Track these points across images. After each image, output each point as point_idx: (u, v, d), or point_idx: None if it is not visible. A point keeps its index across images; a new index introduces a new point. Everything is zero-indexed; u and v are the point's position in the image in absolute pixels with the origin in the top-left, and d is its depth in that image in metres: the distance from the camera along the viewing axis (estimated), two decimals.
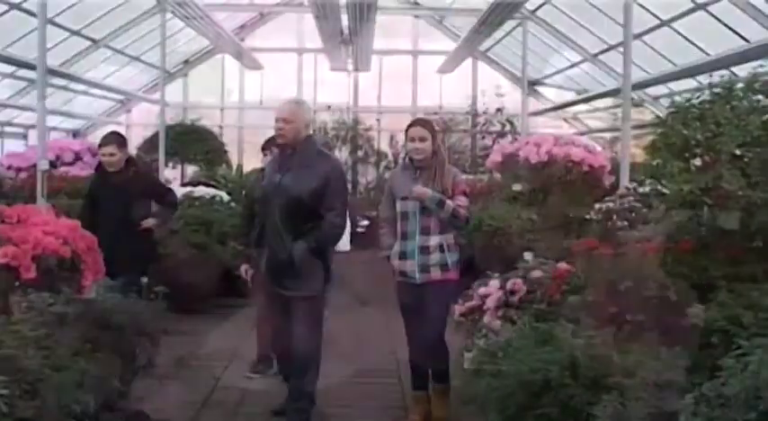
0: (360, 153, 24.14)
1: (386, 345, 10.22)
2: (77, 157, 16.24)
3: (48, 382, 4.77)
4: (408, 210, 7.43)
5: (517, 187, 13.71)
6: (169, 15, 18.30)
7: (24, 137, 21.34)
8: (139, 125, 25.06)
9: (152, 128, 21.59)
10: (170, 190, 9.93)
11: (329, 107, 24.47)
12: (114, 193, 8.86)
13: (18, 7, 15.27)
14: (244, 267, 8.14)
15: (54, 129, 21.79)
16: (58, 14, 16.29)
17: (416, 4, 24.95)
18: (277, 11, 25.12)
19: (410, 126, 7.54)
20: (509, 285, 7.37)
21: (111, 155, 8.95)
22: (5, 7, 15.15)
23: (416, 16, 25.27)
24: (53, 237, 5.48)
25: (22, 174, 14.09)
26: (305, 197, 7.09)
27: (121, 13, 19.14)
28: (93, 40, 19.70)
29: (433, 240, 7.38)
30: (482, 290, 7.56)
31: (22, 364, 4.72)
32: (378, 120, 25.29)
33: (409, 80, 25.73)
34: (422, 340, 7.47)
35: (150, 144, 20.47)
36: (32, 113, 16.58)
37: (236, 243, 7.95)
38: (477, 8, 18.75)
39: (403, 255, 7.46)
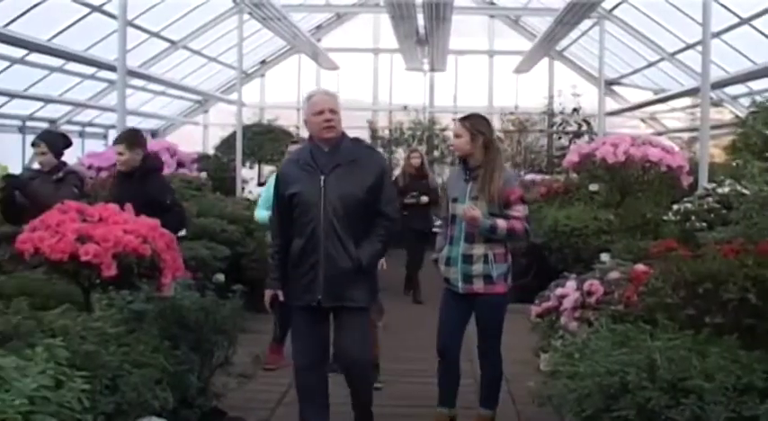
0: (435, 153, 24.11)
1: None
2: (155, 157, 16.41)
3: (127, 378, 4.84)
4: (457, 213, 6.93)
5: (594, 187, 13.59)
6: (246, 16, 18.49)
7: (104, 137, 21.67)
8: (217, 125, 25.28)
9: (229, 128, 21.80)
10: (172, 207, 8.55)
11: (405, 107, 24.52)
12: (126, 196, 7.24)
13: (99, 10, 15.52)
14: (271, 294, 6.50)
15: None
16: (137, 17, 16.49)
17: (492, 3, 24.89)
18: (353, 11, 25.21)
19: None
20: (586, 286, 7.30)
21: (120, 154, 8.38)
22: (87, 10, 15.40)
23: (492, 16, 25.20)
24: (133, 235, 5.54)
25: (103, 174, 14.26)
26: (362, 195, 6.26)
27: (199, 14, 19.36)
28: (172, 42, 19.93)
29: (477, 249, 6.91)
30: (559, 290, 7.49)
31: (103, 360, 4.79)
32: (454, 120, 25.13)
33: (485, 80, 25.65)
34: (483, 358, 7.29)
35: (227, 144, 20.69)
36: (112, 114, 16.82)
37: (271, 260, 6.54)
38: (553, 8, 18.68)
39: (448, 262, 7.03)
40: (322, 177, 6.23)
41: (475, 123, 7.02)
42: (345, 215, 6.21)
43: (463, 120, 7.10)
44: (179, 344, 5.73)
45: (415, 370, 8.79)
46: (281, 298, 6.45)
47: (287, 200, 6.36)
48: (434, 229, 18.20)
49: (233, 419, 6.85)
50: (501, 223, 6.80)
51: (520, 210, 6.93)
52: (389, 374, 8.57)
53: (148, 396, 4.92)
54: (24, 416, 3.38)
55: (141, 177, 8.30)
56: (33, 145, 8.42)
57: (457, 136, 7.07)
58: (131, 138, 8.50)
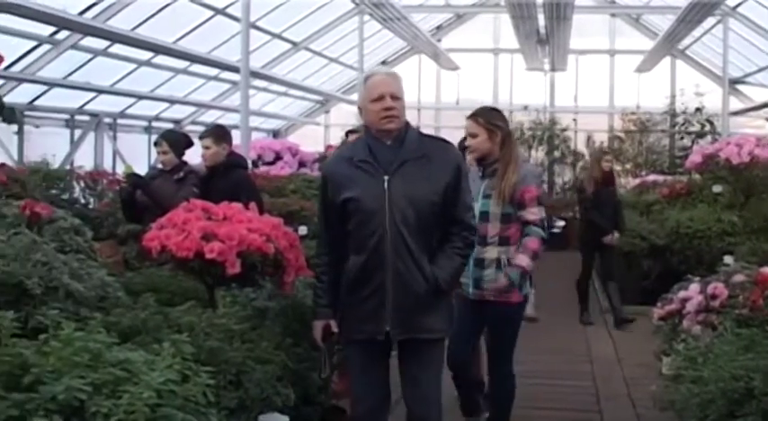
0: (556, 153, 23.95)
1: (581, 348, 10.14)
2: (278, 157, 16.67)
3: (251, 374, 4.91)
4: None
5: (717, 189, 13.38)
6: (367, 17, 18.60)
7: None
8: (337, 125, 25.46)
9: (349, 128, 21.94)
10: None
11: (525, 107, 24.40)
12: (211, 192, 7.71)
13: (222, 12, 15.80)
14: (322, 325, 5.31)
15: (255, 129, 22.39)
16: (259, 18, 16.72)
17: (613, 2, 24.65)
18: (473, 11, 25.18)
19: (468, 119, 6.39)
20: (710, 289, 7.16)
21: (206, 148, 8.26)
22: (210, 13, 15.69)
23: (613, 14, 24.94)
24: (257, 234, 5.62)
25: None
26: (437, 198, 5.01)
27: (320, 15, 19.55)
28: (294, 43, 20.17)
29: (490, 253, 6.22)
30: (682, 293, 7.35)
31: (227, 356, 4.87)
32: (574, 120, 25.04)
33: (606, 79, 25.41)
34: (492, 374, 6.63)
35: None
36: (235, 114, 17.11)
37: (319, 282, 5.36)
38: (675, 5, 18.38)
39: None
40: (386, 178, 4.99)
41: (489, 118, 6.38)
42: (417, 224, 4.97)
43: (474, 116, 6.40)
44: (300, 342, 5.78)
45: (537, 371, 8.74)
46: (335, 329, 5.26)
47: (339, 207, 5.09)
48: (554, 230, 18.17)
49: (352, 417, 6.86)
50: (523, 260, 6.19)
51: (535, 213, 6.27)
52: None
53: (271, 392, 4.99)
54: (152, 408, 3.46)
55: (224, 172, 8.27)
56: (156, 144, 8.55)
57: (472, 135, 6.36)
58: (218, 132, 8.45)
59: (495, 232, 6.21)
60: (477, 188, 6.17)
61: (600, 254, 12.06)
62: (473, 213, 5.28)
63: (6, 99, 6.48)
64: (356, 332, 5.14)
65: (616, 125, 24.70)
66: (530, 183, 6.29)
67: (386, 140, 5.09)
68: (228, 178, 8.19)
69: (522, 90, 25.42)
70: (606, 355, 9.86)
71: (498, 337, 6.50)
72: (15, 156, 13.96)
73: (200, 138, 8.37)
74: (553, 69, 24.38)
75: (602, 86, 25.46)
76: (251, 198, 8.15)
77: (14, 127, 13.65)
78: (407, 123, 5.20)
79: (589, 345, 10.23)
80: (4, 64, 5.86)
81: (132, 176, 8.35)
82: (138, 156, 16.85)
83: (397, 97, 5.13)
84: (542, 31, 20.09)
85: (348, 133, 9.59)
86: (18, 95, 13.83)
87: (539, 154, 23.73)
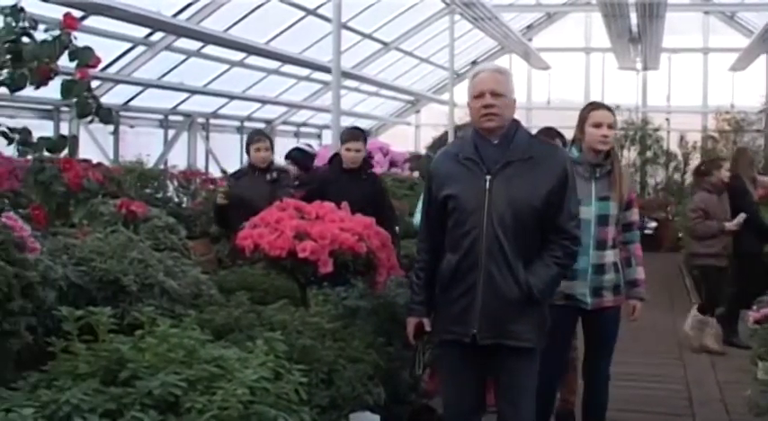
0: (648, 153, 23.66)
1: (673, 351, 10.02)
2: (369, 156, 16.71)
3: (342, 373, 4.94)
4: (582, 216, 5.36)
5: None
6: (457, 17, 18.55)
7: (318, 136, 22.18)
8: (428, 125, 25.53)
9: (441, 128, 22.01)
10: (392, 208, 8.71)
11: (617, 107, 24.07)
12: (356, 194, 7.39)
13: (313, 13, 15.89)
14: (414, 322, 5.23)
15: None
16: (350, 19, 16.78)
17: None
18: (564, 11, 25.00)
19: (596, 109, 6.11)
20: None
21: (358, 151, 8.15)
22: (302, 13, 15.79)
23: (707, 12, 24.51)
24: (349, 233, 5.65)
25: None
26: (539, 203, 4.85)
27: (411, 15, 19.55)
28: (384, 43, 20.21)
29: (608, 257, 5.99)
30: None
31: (319, 355, 4.91)
32: (667, 119, 24.71)
33: (699, 78, 25.03)
34: (592, 380, 6.38)
35: (439, 144, 20.83)
36: (326, 114, 17.22)
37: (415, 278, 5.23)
38: None
39: (573, 275, 5.72)
40: (487, 177, 4.87)
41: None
42: (515, 227, 4.82)
43: (610, 109, 6.18)
44: (392, 341, 5.79)
45: (629, 374, 8.65)
46: (428, 327, 5.19)
47: (440, 203, 5.02)
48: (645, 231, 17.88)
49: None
50: (640, 272, 6.24)
51: (636, 214, 6.24)
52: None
53: (362, 391, 5.01)
54: (245, 405, 3.50)
55: (369, 176, 8.30)
56: (256, 141, 8.44)
57: (610, 127, 6.06)
58: (365, 135, 8.47)
59: (613, 235, 6.01)
60: (586, 190, 5.84)
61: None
62: (578, 222, 5.04)
63: (102, 100, 6.57)
64: (445, 332, 5.05)
65: (709, 125, 24.34)
66: (631, 184, 6.19)
67: (492, 139, 4.97)
68: (370, 180, 8.31)
69: (614, 89, 25.14)
70: (700, 359, 9.72)
71: (607, 341, 6.26)
72: (111, 156, 14.20)
73: (347, 140, 8.25)
74: (645, 68, 24.09)
75: (695, 85, 25.06)
76: (386, 198, 8.44)
77: (110, 127, 13.83)
78: (517, 123, 5.06)
79: (681, 349, 10.10)
80: (101, 66, 5.93)
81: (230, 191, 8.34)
82: (231, 155, 17.03)
83: (498, 94, 4.94)
84: (634, 29, 19.86)
85: (458, 128, 9.53)
86: (114, 96, 14.06)
87: (631, 154, 23.43)
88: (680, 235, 14.95)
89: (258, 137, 8.49)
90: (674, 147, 24.06)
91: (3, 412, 3.05)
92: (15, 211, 4.50)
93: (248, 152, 8.49)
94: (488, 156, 4.91)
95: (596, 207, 5.89)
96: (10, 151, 6.42)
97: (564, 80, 25.66)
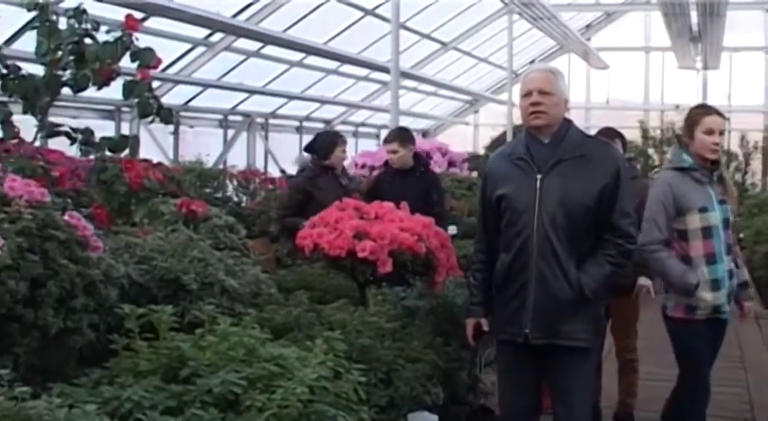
0: None
1: (734, 354, 9.90)
2: (427, 156, 16.69)
3: (401, 373, 4.94)
4: (711, 223, 5.58)
5: None
6: (516, 17, 18.49)
7: (377, 136, 22.20)
8: (487, 125, 25.49)
9: (499, 128, 21.94)
10: (443, 205, 8.60)
11: (677, 106, 23.88)
12: (409, 194, 7.24)
13: (372, 13, 15.92)
14: (473, 323, 5.19)
15: None
16: (409, 19, 16.78)
17: None
18: (623, 10, 24.85)
19: (708, 114, 5.74)
20: None
21: (394, 152, 8.14)
22: (360, 14, 15.83)
23: None
24: (408, 233, 5.64)
25: (375, 173, 14.59)
26: (591, 202, 4.81)
27: (469, 15, 19.54)
28: (443, 43, 20.21)
29: (730, 262, 5.76)
30: None
31: (378, 354, 4.91)
32: (728, 119, 24.38)
33: (761, 78, 24.72)
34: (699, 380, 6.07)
35: (498, 144, 20.74)
36: (384, 114, 17.25)
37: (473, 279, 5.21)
38: None
39: (715, 285, 5.60)
40: (538, 176, 4.86)
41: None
42: (566, 227, 4.80)
43: (721, 114, 5.85)
44: (450, 341, 5.78)
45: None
46: (485, 328, 5.14)
47: (494, 203, 5.02)
48: None
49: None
50: (746, 273, 6.15)
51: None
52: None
53: (420, 391, 5.01)
54: (304, 403, 3.51)
55: (421, 175, 8.23)
56: (341, 143, 8.30)
57: (722, 133, 5.79)
58: (403, 135, 8.35)
59: (731, 237, 5.84)
60: (706, 195, 5.68)
61: None
62: (632, 220, 4.94)
63: (163, 100, 6.63)
64: (500, 332, 5.03)
65: None
66: None
67: (543, 138, 4.94)
68: (423, 179, 8.22)
69: (674, 89, 24.98)
70: (761, 362, 9.59)
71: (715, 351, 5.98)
72: (171, 156, 14.34)
73: (385, 141, 8.37)
74: (706, 67, 23.82)
75: (756, 84, 24.77)
76: (441, 197, 8.25)
77: (170, 127, 14.00)
78: (569, 122, 5.02)
79: (743, 352, 9.97)
80: (161, 66, 5.99)
81: None
82: (290, 155, 17.07)
83: (546, 93, 4.92)
84: (695, 28, 19.67)
85: (516, 129, 9.47)
86: (174, 96, 14.18)
87: None
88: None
89: (343, 139, 8.37)
90: (734, 147, 23.80)
91: (66, 408, 3.08)
92: (78, 210, 4.53)
93: (327, 152, 8.21)
94: (539, 156, 4.90)
95: (719, 210, 5.70)
96: (73, 151, 6.53)
97: (623, 80, 25.49)
